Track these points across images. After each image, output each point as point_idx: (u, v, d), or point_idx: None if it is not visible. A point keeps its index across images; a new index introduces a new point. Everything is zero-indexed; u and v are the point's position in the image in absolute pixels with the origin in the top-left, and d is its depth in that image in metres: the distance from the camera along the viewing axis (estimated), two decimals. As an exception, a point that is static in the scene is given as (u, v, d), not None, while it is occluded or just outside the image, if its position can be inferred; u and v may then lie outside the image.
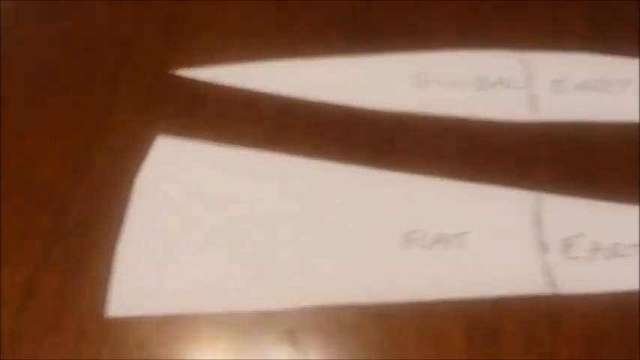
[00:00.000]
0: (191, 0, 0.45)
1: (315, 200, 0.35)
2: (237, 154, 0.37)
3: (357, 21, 0.44)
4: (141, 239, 0.34)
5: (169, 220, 0.35)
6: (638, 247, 0.33)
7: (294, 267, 0.33)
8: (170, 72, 0.41)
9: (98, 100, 0.40)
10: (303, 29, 0.44)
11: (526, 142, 0.38)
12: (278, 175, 0.37)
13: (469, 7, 0.45)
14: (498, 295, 0.32)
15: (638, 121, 0.38)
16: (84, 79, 0.41)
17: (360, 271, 0.33)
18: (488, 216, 0.34)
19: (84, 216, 0.35)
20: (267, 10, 0.45)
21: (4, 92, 0.41)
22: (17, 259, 0.33)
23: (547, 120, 0.39)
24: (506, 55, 0.42)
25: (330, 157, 0.37)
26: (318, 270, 0.33)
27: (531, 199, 0.35)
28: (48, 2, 0.47)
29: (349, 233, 0.34)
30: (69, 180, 0.36)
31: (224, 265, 0.33)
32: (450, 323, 0.31)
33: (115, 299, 0.32)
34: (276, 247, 0.34)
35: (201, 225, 0.35)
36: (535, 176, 0.36)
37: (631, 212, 0.34)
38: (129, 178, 0.36)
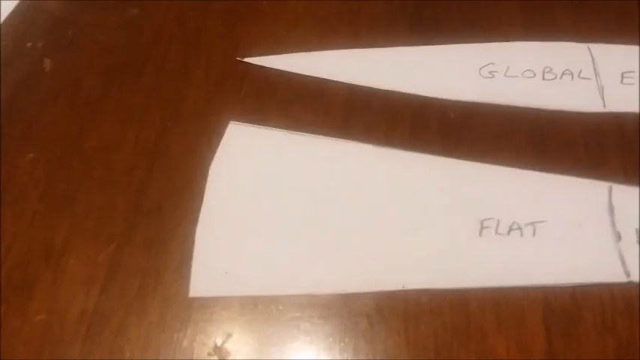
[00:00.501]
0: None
1: (387, 187, 0.36)
2: (307, 141, 0.38)
3: (422, 12, 0.44)
4: (218, 222, 0.35)
5: (244, 204, 0.35)
6: None
7: (371, 252, 0.33)
8: (239, 59, 0.42)
9: (169, 86, 0.41)
10: (367, 21, 0.44)
11: (595, 133, 0.38)
12: (348, 161, 0.37)
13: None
14: (574, 282, 0.32)
15: None
16: (154, 66, 0.42)
17: (436, 256, 0.33)
18: (561, 205, 0.34)
19: (162, 198, 0.36)
20: (332, 2, 0.45)
21: (79, 77, 0.42)
22: (99, 239, 0.34)
23: (615, 111, 0.39)
24: (572, 46, 0.42)
25: (400, 145, 0.38)
26: (395, 255, 0.33)
27: (603, 189, 0.35)
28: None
29: (423, 220, 0.34)
30: (145, 164, 0.37)
31: (300, 248, 0.34)
32: (528, 309, 0.31)
33: (195, 280, 0.33)
34: (351, 233, 0.34)
35: (274, 209, 0.35)
36: (605, 166, 0.36)
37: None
38: (203, 163, 0.37)
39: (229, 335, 0.31)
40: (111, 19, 0.46)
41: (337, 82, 0.41)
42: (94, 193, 0.36)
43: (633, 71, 0.40)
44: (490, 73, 0.41)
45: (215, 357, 0.30)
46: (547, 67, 0.41)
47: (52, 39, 0.45)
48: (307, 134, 0.38)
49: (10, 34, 0.45)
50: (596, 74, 0.40)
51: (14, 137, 0.39)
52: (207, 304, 0.32)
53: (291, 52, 0.43)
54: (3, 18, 0.46)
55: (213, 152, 0.38)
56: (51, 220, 0.35)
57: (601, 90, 0.40)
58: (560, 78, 0.40)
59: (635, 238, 0.33)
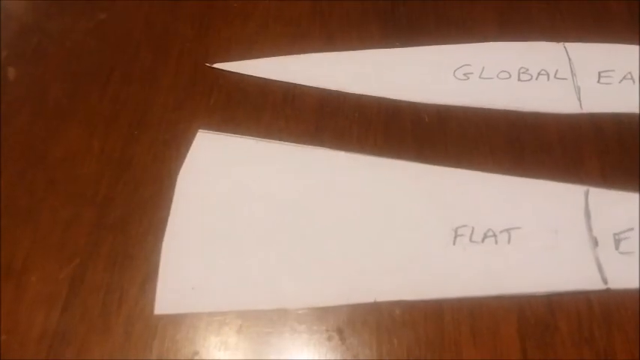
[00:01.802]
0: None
1: (360, 195, 0.35)
2: (278, 148, 0.37)
3: (395, 13, 0.43)
4: (185, 235, 0.34)
5: (212, 216, 0.34)
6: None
7: (341, 263, 0.32)
8: (208, 65, 0.41)
9: (137, 93, 0.40)
10: (340, 22, 0.43)
11: (571, 134, 0.37)
12: (320, 169, 0.36)
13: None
14: (550, 290, 0.31)
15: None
16: (122, 72, 0.41)
17: (408, 266, 0.32)
18: (537, 211, 0.34)
19: (127, 211, 0.35)
20: (303, 2, 0.44)
21: (44, 86, 0.41)
22: (61, 255, 0.33)
23: (592, 112, 0.38)
24: (549, 46, 0.41)
25: (373, 151, 0.37)
26: (366, 266, 0.32)
27: (580, 193, 0.34)
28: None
29: (396, 228, 0.33)
30: (111, 174, 0.36)
31: (270, 261, 0.33)
32: (503, 320, 0.30)
33: (161, 296, 0.32)
34: (322, 243, 0.33)
35: (244, 220, 0.34)
36: (582, 169, 0.36)
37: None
38: (170, 173, 0.36)
39: (196, 353, 0.30)
40: (79, 24, 0.45)
41: (309, 87, 0.40)
42: (58, 207, 0.35)
43: (611, 70, 0.40)
44: (465, 75, 0.40)
45: (181, 377, 0.29)
46: (523, 67, 0.40)
47: (17, 46, 0.43)
48: (278, 142, 0.37)
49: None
50: (573, 74, 0.39)
51: (-24, 149, 0.38)
52: (174, 321, 0.31)
53: (263, 56, 0.41)
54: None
55: (182, 162, 0.36)
56: (12, 236, 0.34)
57: (578, 90, 0.39)
58: (536, 79, 0.39)
59: (612, 243, 0.33)
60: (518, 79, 0.40)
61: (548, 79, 0.39)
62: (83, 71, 0.42)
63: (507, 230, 0.33)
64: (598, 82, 0.39)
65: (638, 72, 0.39)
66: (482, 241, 0.33)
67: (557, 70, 0.40)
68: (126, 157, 0.37)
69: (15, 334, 0.31)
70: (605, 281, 0.31)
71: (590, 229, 0.33)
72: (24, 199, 0.35)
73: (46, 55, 0.43)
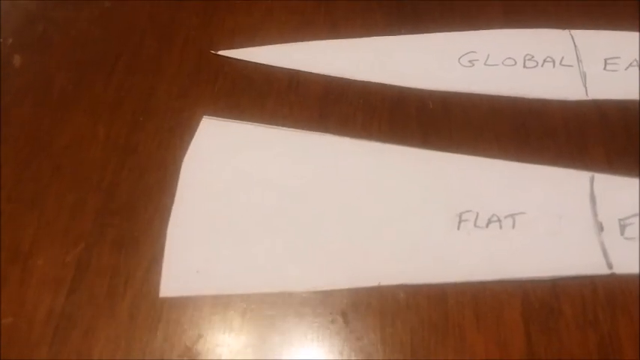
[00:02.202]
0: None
1: (364, 181, 0.35)
2: (282, 135, 0.37)
3: (400, 0, 0.43)
4: (190, 220, 0.34)
5: (216, 201, 0.35)
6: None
7: (346, 248, 0.32)
8: (213, 53, 0.41)
9: (142, 81, 0.40)
10: (345, 10, 0.43)
11: (577, 121, 0.37)
12: (324, 155, 0.36)
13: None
14: (554, 275, 0.31)
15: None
16: (127, 60, 0.41)
17: (412, 251, 0.32)
18: (542, 196, 0.34)
19: (132, 196, 0.35)
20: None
21: (50, 73, 0.41)
22: (68, 240, 0.33)
23: (598, 98, 0.38)
24: (555, 33, 0.41)
25: (377, 137, 0.37)
26: (371, 250, 0.32)
27: (585, 179, 0.34)
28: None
29: (400, 213, 0.33)
30: (116, 161, 0.36)
31: (275, 245, 0.33)
32: (507, 304, 0.30)
33: (166, 280, 0.32)
34: (326, 228, 0.33)
35: (248, 205, 0.34)
36: (587, 155, 0.36)
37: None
38: (175, 159, 0.36)
39: (200, 336, 0.30)
40: (84, 12, 0.45)
41: (313, 73, 0.40)
42: (64, 193, 0.35)
43: (617, 57, 0.39)
44: (470, 61, 0.40)
45: (185, 358, 0.29)
46: (528, 54, 0.40)
47: (22, 34, 0.44)
48: (282, 128, 0.37)
49: (-19, 31, 0.44)
50: (579, 61, 0.39)
51: (-18, 136, 0.38)
52: (178, 304, 0.31)
53: (267, 44, 0.41)
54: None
55: (186, 148, 0.37)
56: (19, 221, 0.34)
57: (583, 77, 0.39)
58: (542, 66, 0.39)
59: (617, 228, 0.33)
60: (524, 66, 0.39)
61: (554, 65, 0.39)
62: (88, 59, 0.42)
63: (512, 215, 0.33)
64: (604, 69, 0.39)
65: (644, 59, 0.39)
66: (487, 226, 0.33)
67: (562, 57, 0.40)
68: (131, 143, 0.37)
69: (22, 316, 0.31)
70: (609, 266, 0.31)
71: (595, 214, 0.33)
72: (30, 185, 0.36)
73: (52, 43, 0.43)
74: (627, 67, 0.39)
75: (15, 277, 0.32)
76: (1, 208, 0.35)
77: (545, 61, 0.39)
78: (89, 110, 0.39)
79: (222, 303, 0.31)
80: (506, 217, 0.33)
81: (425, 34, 0.41)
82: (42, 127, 0.38)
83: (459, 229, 0.33)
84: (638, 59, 0.39)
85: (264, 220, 0.34)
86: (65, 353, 0.30)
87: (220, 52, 0.41)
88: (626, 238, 0.32)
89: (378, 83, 0.39)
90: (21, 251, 0.33)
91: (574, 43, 0.40)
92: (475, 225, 0.33)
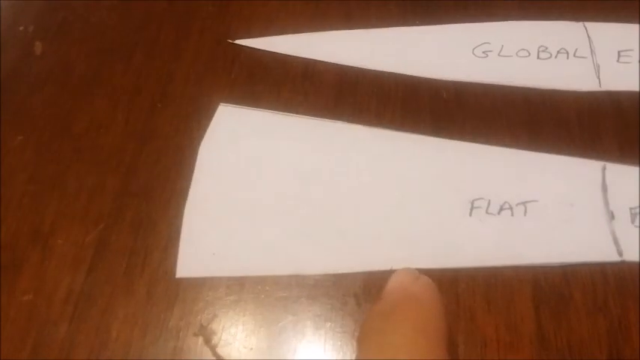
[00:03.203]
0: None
1: (377, 167, 0.35)
2: (297, 122, 0.38)
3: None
4: (206, 203, 0.34)
5: (232, 185, 0.35)
6: None
7: (359, 232, 0.33)
8: (230, 41, 0.42)
9: (160, 68, 0.41)
10: (360, 0, 0.44)
11: (590, 112, 0.37)
12: (338, 142, 0.37)
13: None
14: (565, 261, 0.31)
15: None
16: (145, 47, 0.42)
17: (425, 236, 0.33)
18: (554, 185, 0.34)
19: (150, 180, 0.35)
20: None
21: (70, 60, 0.42)
22: (87, 220, 0.34)
23: (611, 89, 0.38)
24: (568, 24, 0.41)
25: (391, 125, 0.37)
26: (383, 235, 0.33)
27: (597, 168, 0.35)
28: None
29: (412, 200, 0.34)
30: (134, 145, 0.37)
31: (289, 229, 0.33)
32: (517, 289, 0.31)
33: (183, 261, 0.32)
34: (340, 213, 0.34)
35: (263, 189, 0.35)
36: (599, 145, 0.36)
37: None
38: (192, 144, 0.37)
39: (215, 316, 0.31)
40: (104, 1, 0.46)
41: (328, 63, 0.40)
42: (83, 175, 0.36)
43: (630, 49, 0.40)
44: (484, 52, 0.40)
45: (200, 337, 0.30)
46: (542, 46, 0.40)
47: (43, 22, 0.44)
48: (297, 115, 0.38)
49: (3, 19, 0.45)
50: (592, 53, 0.40)
51: (4, 120, 0.39)
52: (194, 284, 0.32)
53: (282, 33, 0.42)
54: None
55: (203, 134, 0.37)
56: (40, 202, 0.35)
57: (597, 69, 0.39)
58: (555, 57, 0.40)
59: (628, 217, 0.33)
60: (538, 57, 0.40)
61: (568, 57, 0.40)
62: (107, 46, 0.42)
63: (524, 203, 0.33)
64: (617, 60, 0.39)
65: (657, 51, 0.39)
66: (499, 213, 0.33)
67: (576, 49, 0.40)
68: (149, 128, 0.38)
69: (42, 294, 0.32)
70: (620, 253, 0.32)
71: (606, 203, 0.33)
72: (51, 167, 0.36)
73: (72, 30, 0.44)
74: (641, 60, 0.39)
75: (36, 257, 0.33)
76: (23, 190, 0.35)
77: (559, 52, 0.40)
78: (108, 96, 0.40)
79: (237, 284, 0.32)
80: (517, 204, 0.33)
81: (439, 25, 0.42)
82: (62, 112, 0.39)
83: (471, 215, 0.33)
84: (651, 51, 0.40)
85: (278, 205, 0.34)
86: (84, 330, 0.31)
87: (237, 41, 0.42)
88: (637, 227, 0.32)
89: (391, 73, 0.39)
90: (42, 231, 0.34)
91: (588, 35, 0.40)
92: (487, 212, 0.33)
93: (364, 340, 0.24)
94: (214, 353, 0.30)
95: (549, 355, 0.29)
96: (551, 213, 0.33)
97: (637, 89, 0.38)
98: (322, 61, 0.40)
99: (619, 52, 0.40)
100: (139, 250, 0.33)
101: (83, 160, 0.37)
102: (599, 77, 0.39)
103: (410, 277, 0.27)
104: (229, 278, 0.32)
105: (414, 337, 0.23)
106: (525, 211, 0.33)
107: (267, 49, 0.41)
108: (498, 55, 0.40)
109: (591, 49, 0.40)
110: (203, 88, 0.40)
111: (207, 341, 0.30)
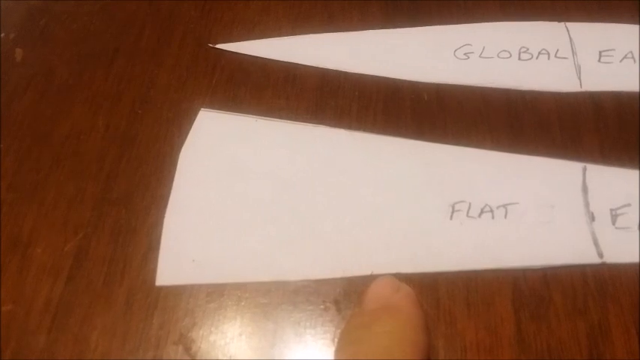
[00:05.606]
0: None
1: (359, 171, 0.35)
2: (278, 126, 0.38)
3: (396, -7, 0.44)
4: (186, 210, 0.34)
5: (213, 192, 0.35)
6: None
7: (339, 237, 0.33)
8: (211, 46, 0.42)
9: (141, 73, 0.41)
10: (341, 2, 0.43)
11: (571, 113, 0.37)
12: (320, 146, 0.37)
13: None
14: (545, 264, 0.31)
15: (686, 91, 0.38)
16: (126, 52, 0.42)
17: (405, 240, 0.32)
18: (534, 187, 0.34)
19: (131, 186, 0.35)
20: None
21: (51, 66, 0.41)
22: (66, 229, 0.34)
23: (592, 90, 0.38)
24: (549, 25, 0.41)
25: (372, 128, 0.37)
26: (364, 240, 0.33)
27: (578, 169, 0.34)
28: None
29: (394, 203, 0.34)
30: (114, 151, 0.37)
31: (269, 235, 0.33)
32: (497, 291, 0.31)
33: (162, 269, 0.32)
34: (320, 218, 0.34)
35: (244, 195, 0.35)
36: (580, 147, 0.36)
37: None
38: (173, 150, 0.37)
39: (195, 324, 0.31)
40: (85, 6, 0.45)
41: (310, 66, 0.40)
42: (63, 183, 0.36)
43: (612, 49, 0.40)
44: (465, 54, 0.40)
45: (180, 345, 0.30)
46: (523, 47, 0.40)
47: (24, 29, 0.44)
48: (279, 120, 0.38)
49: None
50: (574, 53, 0.40)
51: (-16, 128, 0.39)
52: (174, 292, 0.32)
53: (264, 37, 0.42)
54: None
55: (184, 139, 0.37)
56: (18, 210, 0.35)
57: (578, 69, 0.39)
58: (537, 58, 0.39)
59: (609, 218, 0.33)
60: (519, 59, 0.40)
61: (549, 58, 0.40)
62: (89, 52, 0.42)
63: (504, 206, 0.33)
64: (599, 61, 0.39)
65: (638, 51, 0.39)
66: (479, 216, 0.33)
67: (557, 50, 0.40)
68: (129, 134, 0.38)
69: (20, 303, 0.32)
70: (600, 255, 0.32)
71: (587, 204, 0.33)
72: (30, 175, 0.36)
73: (53, 36, 0.44)
74: (622, 59, 0.39)
75: (14, 266, 0.33)
76: (1, 198, 0.35)
77: (540, 53, 0.40)
78: (89, 102, 0.39)
79: (217, 291, 0.32)
80: (498, 207, 0.33)
81: (420, 27, 0.42)
82: (42, 118, 0.39)
83: (451, 219, 0.33)
84: (632, 51, 0.39)
85: (259, 211, 0.34)
86: (63, 340, 0.30)
87: (218, 45, 0.42)
88: (618, 228, 0.32)
89: (373, 76, 0.39)
90: (20, 240, 0.34)
91: (569, 35, 0.40)
92: (468, 215, 0.33)
93: (340, 350, 0.24)
94: (194, 361, 0.30)
95: (529, 358, 0.29)
96: (532, 215, 0.33)
97: (618, 89, 0.38)
98: (304, 65, 0.40)
99: (600, 52, 0.40)
100: (119, 259, 0.33)
101: (63, 168, 0.36)
102: (580, 78, 0.39)
103: (390, 287, 0.27)
104: (209, 285, 0.32)
105: (390, 347, 0.23)
106: (506, 214, 0.33)
107: (248, 53, 0.41)
108: (480, 56, 0.40)
109: (572, 50, 0.40)
110: (184, 93, 0.39)
111: (187, 349, 0.30)
